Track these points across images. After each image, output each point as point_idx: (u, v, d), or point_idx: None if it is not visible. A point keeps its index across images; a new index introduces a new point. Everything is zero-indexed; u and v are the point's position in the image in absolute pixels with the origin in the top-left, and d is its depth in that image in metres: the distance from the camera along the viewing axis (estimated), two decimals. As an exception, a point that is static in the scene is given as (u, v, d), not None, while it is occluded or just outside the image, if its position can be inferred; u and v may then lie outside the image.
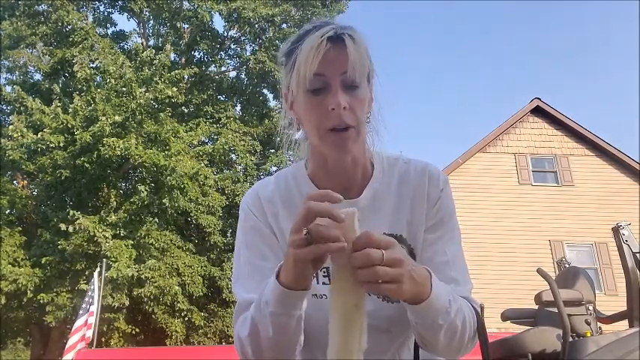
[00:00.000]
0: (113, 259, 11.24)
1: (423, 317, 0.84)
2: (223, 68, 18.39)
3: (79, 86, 13.03)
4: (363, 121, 0.93)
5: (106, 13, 17.69)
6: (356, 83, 0.90)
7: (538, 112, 15.57)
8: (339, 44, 0.88)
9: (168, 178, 12.34)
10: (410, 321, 0.89)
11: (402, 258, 0.76)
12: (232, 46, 18.46)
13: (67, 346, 6.25)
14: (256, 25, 17.13)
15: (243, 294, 0.96)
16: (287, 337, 0.88)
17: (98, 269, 7.20)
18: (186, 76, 15.82)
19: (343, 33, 0.88)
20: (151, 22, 18.16)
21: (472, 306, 0.93)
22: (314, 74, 0.88)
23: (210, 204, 14.12)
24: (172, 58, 15.71)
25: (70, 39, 14.97)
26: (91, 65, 13.95)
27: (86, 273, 11.45)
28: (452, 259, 0.99)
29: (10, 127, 12.12)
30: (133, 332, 13.47)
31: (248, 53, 18.07)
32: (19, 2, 15.47)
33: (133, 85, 12.35)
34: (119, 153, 11.77)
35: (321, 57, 0.87)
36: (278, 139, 1.05)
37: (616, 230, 3.46)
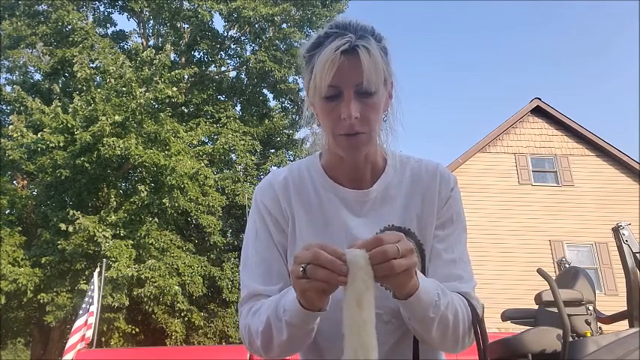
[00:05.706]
0: (113, 259, 11.25)
1: (414, 311, 0.87)
2: (223, 68, 18.37)
3: (79, 86, 13.02)
4: (376, 126, 0.96)
5: (106, 13, 17.73)
6: (371, 92, 0.92)
7: (538, 112, 15.55)
8: (353, 57, 0.90)
9: (168, 177, 12.34)
10: (403, 317, 0.92)
11: (412, 247, 0.79)
12: (232, 46, 18.44)
13: (67, 346, 6.25)
14: (256, 25, 17.11)
15: (249, 282, 1.01)
16: (298, 342, 0.92)
17: (98, 269, 7.20)
18: (186, 76, 15.81)
19: (358, 45, 0.90)
20: (151, 22, 18.16)
21: (468, 301, 0.95)
22: (328, 85, 0.91)
23: (210, 204, 14.11)
24: (172, 58, 15.70)
25: (70, 39, 14.97)
26: (91, 65, 13.93)
27: (86, 273, 11.45)
28: (459, 257, 1.02)
29: (10, 127, 12.11)
30: (133, 332, 13.48)
31: (248, 53, 18.05)
32: (19, 2, 15.47)
33: (133, 85, 12.35)
34: (119, 153, 11.77)
35: (336, 69, 0.90)
36: (302, 122, 1.09)
37: (616, 230, 3.46)
